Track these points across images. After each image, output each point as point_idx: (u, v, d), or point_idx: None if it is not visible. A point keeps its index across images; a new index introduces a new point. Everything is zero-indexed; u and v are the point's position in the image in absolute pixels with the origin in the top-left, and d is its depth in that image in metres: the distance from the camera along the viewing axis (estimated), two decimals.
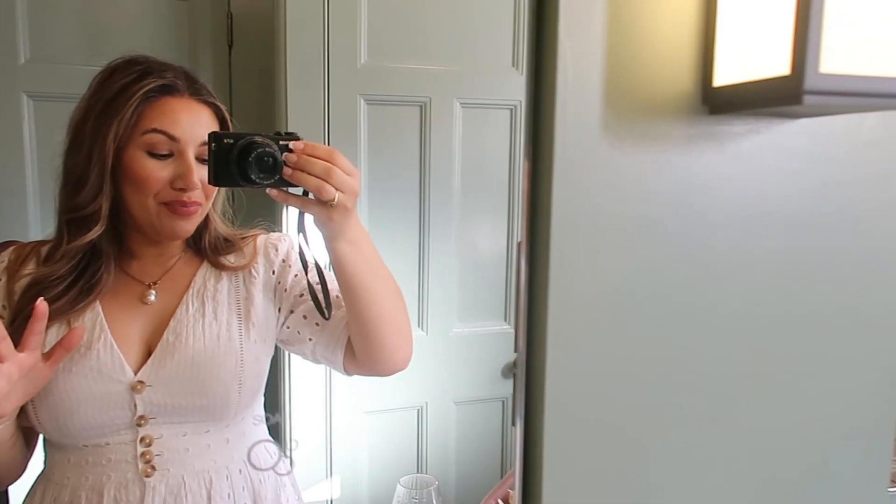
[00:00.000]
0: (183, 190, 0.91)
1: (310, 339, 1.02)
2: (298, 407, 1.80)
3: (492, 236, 1.97)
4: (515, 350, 1.87)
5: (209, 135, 0.81)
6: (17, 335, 0.84)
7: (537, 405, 0.44)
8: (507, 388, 2.01)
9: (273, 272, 1.04)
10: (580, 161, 0.42)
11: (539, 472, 0.42)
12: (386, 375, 1.01)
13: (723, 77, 0.46)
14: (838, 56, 0.40)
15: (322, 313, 0.97)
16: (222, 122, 0.98)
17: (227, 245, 1.03)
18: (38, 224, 1.88)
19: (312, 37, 1.76)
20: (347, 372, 1.04)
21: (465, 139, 1.91)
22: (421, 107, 1.86)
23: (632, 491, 0.52)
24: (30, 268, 0.95)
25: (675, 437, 0.51)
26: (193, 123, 0.92)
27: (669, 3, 0.42)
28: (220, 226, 1.04)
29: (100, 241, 0.93)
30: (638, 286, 0.45)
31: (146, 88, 0.90)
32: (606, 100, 0.41)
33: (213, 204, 0.99)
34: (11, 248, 0.98)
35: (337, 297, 1.00)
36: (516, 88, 1.92)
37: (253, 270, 1.02)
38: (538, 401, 0.44)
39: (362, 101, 1.81)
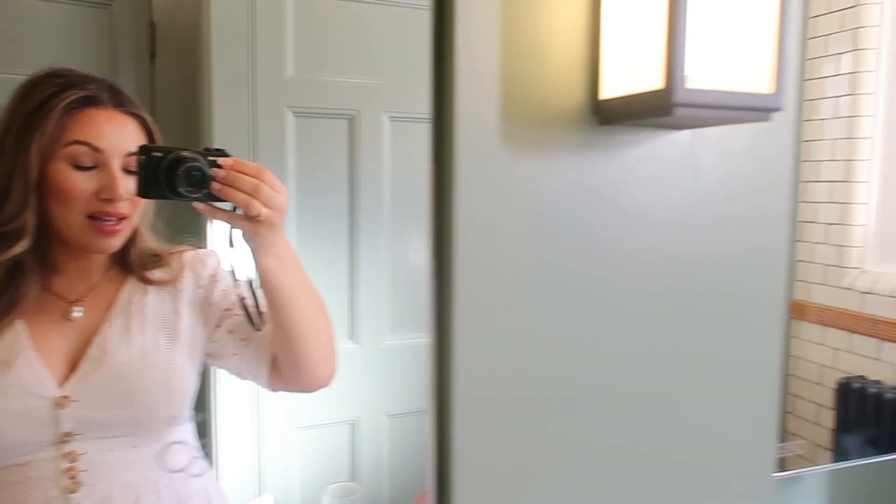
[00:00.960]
0: (109, 200, 0.90)
1: (234, 355, 1.03)
2: (225, 414, 1.77)
3: (420, 247, 1.99)
4: None
5: (139, 147, 0.83)
6: None
7: (447, 401, 0.46)
8: None
9: (200, 287, 1.04)
10: (481, 168, 0.44)
11: (450, 466, 0.44)
12: (311, 391, 1.02)
13: (608, 90, 0.49)
14: (702, 72, 0.43)
15: (253, 325, 0.99)
16: (149, 133, 0.97)
17: (154, 260, 1.02)
18: None
19: (238, 48, 1.74)
20: (272, 388, 1.04)
21: (394, 152, 1.92)
22: (349, 119, 1.87)
23: (539, 480, 0.54)
24: None
25: (572, 425, 0.54)
26: (118, 135, 0.92)
27: (560, 22, 0.45)
28: (148, 240, 1.02)
29: (23, 257, 0.91)
30: (535, 283, 0.47)
31: (68, 100, 0.89)
32: (504, 111, 0.43)
33: (141, 218, 0.98)
34: None
35: (264, 312, 1.00)
36: None
37: (179, 285, 1.02)
38: (447, 396, 0.46)
39: (290, 113, 1.81)
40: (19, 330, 0.92)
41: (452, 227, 0.45)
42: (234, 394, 1.77)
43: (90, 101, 0.91)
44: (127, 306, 0.98)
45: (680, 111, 0.43)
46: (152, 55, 2.01)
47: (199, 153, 0.83)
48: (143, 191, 0.83)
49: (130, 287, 1.00)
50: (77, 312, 0.96)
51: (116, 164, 0.91)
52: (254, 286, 0.99)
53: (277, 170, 1.78)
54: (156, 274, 1.01)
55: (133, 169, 0.90)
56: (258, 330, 1.00)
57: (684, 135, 0.53)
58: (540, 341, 0.48)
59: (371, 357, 1.92)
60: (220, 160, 0.83)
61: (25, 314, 0.93)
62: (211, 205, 0.84)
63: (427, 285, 0.46)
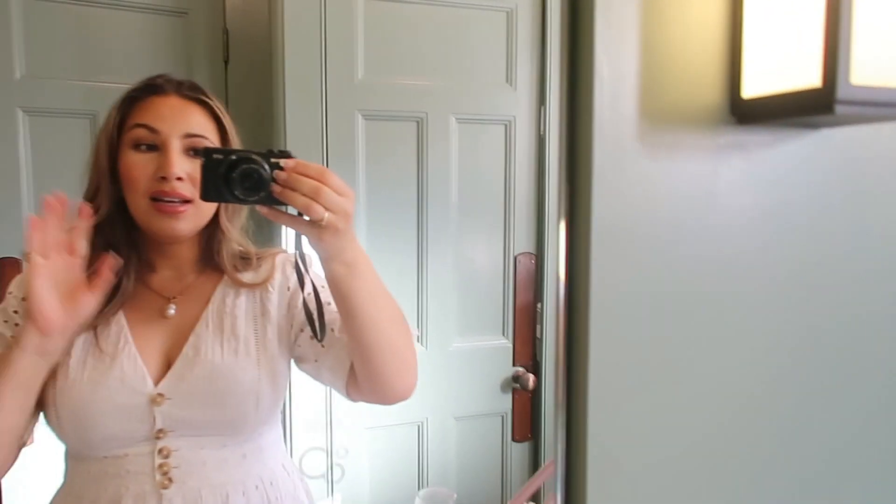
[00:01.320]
0: (164, 179, 0.91)
1: (314, 360, 1.01)
2: (297, 414, 1.79)
3: (489, 250, 1.98)
4: (514, 364, 1.89)
5: (201, 150, 0.82)
6: None
7: (579, 408, 0.45)
8: (506, 402, 2.01)
9: (288, 289, 1.04)
10: (617, 169, 0.43)
11: (583, 476, 0.43)
12: (388, 404, 0.98)
13: (751, 89, 0.47)
14: (869, 67, 0.41)
15: (315, 333, 0.96)
16: (216, 119, 0.99)
17: (245, 261, 1.04)
18: None
19: (310, 53, 1.77)
20: (351, 398, 1.01)
21: (462, 154, 1.92)
22: (418, 122, 1.88)
23: (675, 490, 0.53)
24: None
25: (718, 436, 0.52)
26: (176, 116, 0.94)
27: (699, 17, 0.44)
28: (238, 241, 1.03)
29: (117, 248, 0.94)
30: (671, 286, 0.46)
31: (132, 92, 0.96)
32: (640, 112, 0.42)
33: (231, 220, 1.00)
34: None
35: (327, 321, 0.98)
36: (510, 104, 1.95)
37: (270, 287, 1.02)
38: (580, 402, 0.45)
39: (360, 116, 1.83)
40: (122, 324, 0.95)
41: (588, 229, 0.45)
42: (306, 394, 1.79)
43: (152, 90, 0.96)
44: (220, 307, 0.99)
45: (842, 109, 0.41)
46: (226, 61, 2.06)
47: (262, 155, 0.80)
48: (204, 193, 0.81)
49: (223, 288, 1.01)
50: (172, 310, 0.99)
51: (175, 145, 0.93)
52: (319, 293, 0.97)
53: (347, 172, 1.80)
54: (247, 276, 1.02)
55: (195, 152, 0.93)
56: (319, 340, 0.97)
57: (826, 134, 0.51)
58: (675, 346, 0.47)
59: (438, 359, 1.93)
60: (283, 162, 0.79)
61: (126, 308, 0.97)
62: (275, 208, 0.81)
63: (556, 287, 0.45)
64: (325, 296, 0.98)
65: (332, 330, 0.98)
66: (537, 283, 2.02)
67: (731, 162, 0.47)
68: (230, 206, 0.89)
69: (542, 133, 1.98)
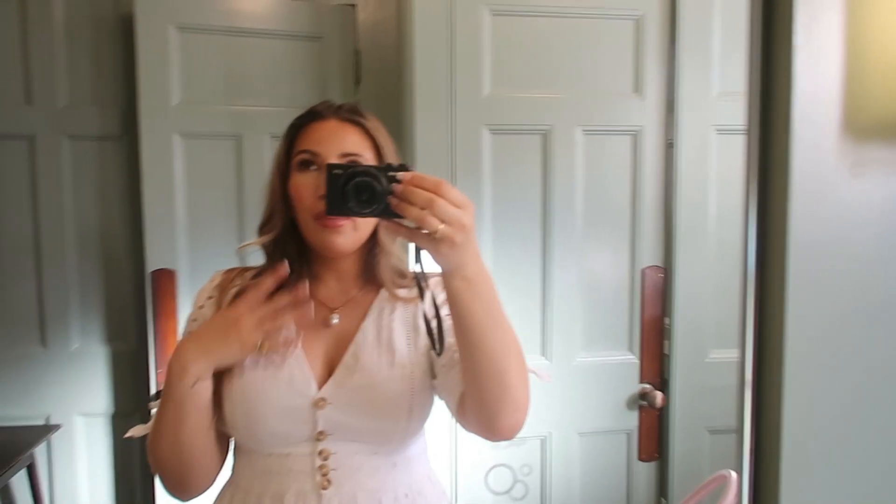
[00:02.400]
0: (323, 197, 0.96)
1: (436, 378, 1.02)
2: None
3: (615, 263, 1.94)
4: (641, 381, 1.83)
5: (326, 165, 0.84)
6: None
7: (771, 426, 0.43)
8: (631, 419, 1.96)
9: (435, 307, 1.06)
10: (816, 188, 0.41)
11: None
12: (490, 439, 0.94)
13: None
14: None
15: (434, 346, 0.96)
16: (371, 139, 1.03)
17: (402, 277, 1.07)
18: (187, 255, 2.01)
19: (438, 70, 1.81)
20: (461, 424, 0.98)
21: (588, 166, 1.90)
22: (543, 135, 1.88)
23: None
24: (237, 284, 1.06)
25: None
26: (334, 138, 1.00)
27: None
28: (398, 257, 1.07)
29: (290, 262, 1.01)
30: (876, 313, 0.43)
31: (295, 121, 1.04)
32: (843, 126, 0.40)
33: (388, 235, 1.04)
34: (223, 271, 1.10)
35: (446, 338, 0.98)
36: (637, 114, 1.90)
37: (422, 304, 1.05)
38: (772, 422, 0.43)
39: (486, 130, 1.85)
40: (291, 329, 1.01)
41: (784, 250, 0.43)
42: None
43: (313, 117, 1.02)
44: (378, 319, 1.04)
45: None
46: (357, 81, 2.15)
47: (380, 169, 0.81)
48: (329, 207, 0.83)
49: (381, 301, 1.06)
50: (335, 319, 1.04)
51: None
52: (439, 306, 0.97)
53: (473, 186, 1.83)
54: (402, 291, 1.06)
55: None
56: (438, 353, 0.96)
57: None
58: (876, 370, 0.44)
59: (563, 374, 1.91)
60: (400, 175, 0.80)
61: (295, 316, 1.02)
62: (393, 221, 0.81)
63: (742, 302, 0.44)
64: (430, 310, 0.98)
65: (455, 351, 0.95)
66: (665, 298, 1.95)
67: None
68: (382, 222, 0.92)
69: (670, 142, 1.92)
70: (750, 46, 0.44)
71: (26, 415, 2.09)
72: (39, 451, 2.06)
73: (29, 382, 2.11)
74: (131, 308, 2.12)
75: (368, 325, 1.03)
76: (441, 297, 1.04)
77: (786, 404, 0.43)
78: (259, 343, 0.95)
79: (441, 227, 0.77)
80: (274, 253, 1.04)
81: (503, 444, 1.82)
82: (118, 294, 2.13)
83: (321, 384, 1.00)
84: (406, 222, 0.80)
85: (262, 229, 1.05)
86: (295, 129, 1.03)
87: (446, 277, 0.82)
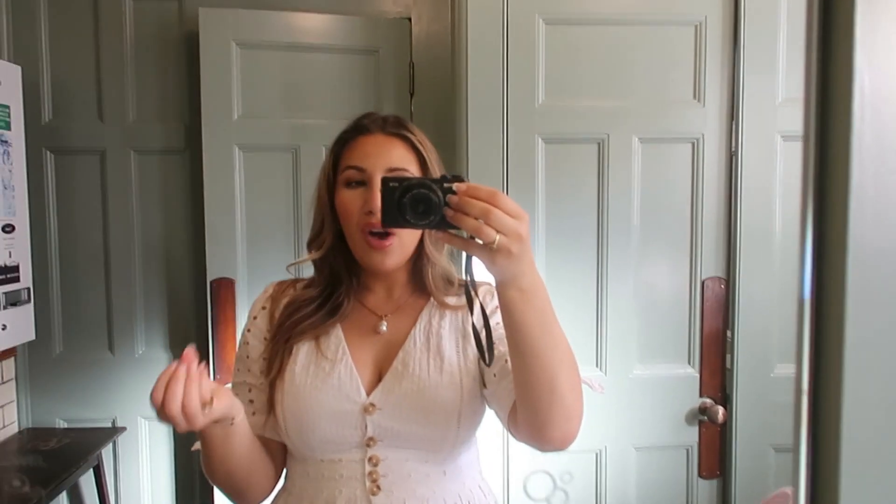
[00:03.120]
0: (371, 213, 0.97)
1: (487, 388, 1.02)
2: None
3: (673, 275, 1.89)
4: (701, 395, 1.77)
5: (381, 179, 0.84)
6: (274, 350, 1.02)
7: (830, 445, 0.40)
8: (691, 435, 1.89)
9: (485, 318, 1.05)
10: (879, 191, 0.39)
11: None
12: (543, 450, 0.93)
13: None
14: None
15: (482, 356, 0.95)
16: (417, 152, 1.03)
17: (450, 286, 1.08)
18: (245, 264, 2.07)
19: (491, 80, 1.81)
20: (513, 435, 0.98)
21: (644, 175, 1.86)
22: (599, 144, 1.85)
23: None
24: (289, 294, 1.08)
25: None
26: (380, 153, 1.01)
27: None
28: (444, 266, 1.08)
29: (339, 273, 1.03)
30: None
31: (342, 135, 1.05)
32: None
33: (434, 245, 1.05)
34: (276, 282, 1.12)
35: (496, 347, 0.97)
36: (698, 121, 1.85)
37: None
38: (832, 440, 0.40)
39: (540, 140, 1.83)
40: (340, 336, 1.03)
41: (844, 256, 0.40)
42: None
43: (359, 131, 1.03)
44: (427, 326, 1.04)
45: None
46: (412, 93, 2.17)
47: (435, 181, 0.81)
48: (384, 220, 0.83)
49: (430, 309, 1.06)
50: (384, 326, 1.05)
51: (378, 179, 0.95)
52: (487, 316, 0.96)
53: (527, 196, 1.81)
54: (451, 299, 1.06)
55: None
56: (487, 363, 0.96)
57: None
58: None
59: (618, 386, 1.86)
60: (455, 186, 0.80)
61: (344, 323, 1.05)
62: (448, 232, 0.81)
63: (798, 315, 0.41)
64: (479, 320, 0.98)
65: (507, 361, 0.96)
66: (727, 309, 1.89)
67: None
68: (432, 232, 0.92)
69: (732, 150, 1.86)
70: (807, 43, 0.42)
71: (94, 417, 2.19)
72: (106, 452, 2.14)
73: (97, 386, 2.20)
74: (192, 316, 2.19)
75: (418, 332, 1.04)
76: (491, 305, 1.04)
77: (844, 416, 0.40)
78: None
79: (497, 237, 0.77)
80: (323, 267, 1.06)
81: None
82: (180, 302, 2.21)
83: (370, 390, 1.00)
84: (461, 233, 0.80)
85: (311, 245, 1.07)
86: (341, 144, 1.04)
87: (501, 287, 0.82)
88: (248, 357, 1.07)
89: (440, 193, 0.80)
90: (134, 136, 2.19)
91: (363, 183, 1.00)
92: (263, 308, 1.08)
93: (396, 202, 0.82)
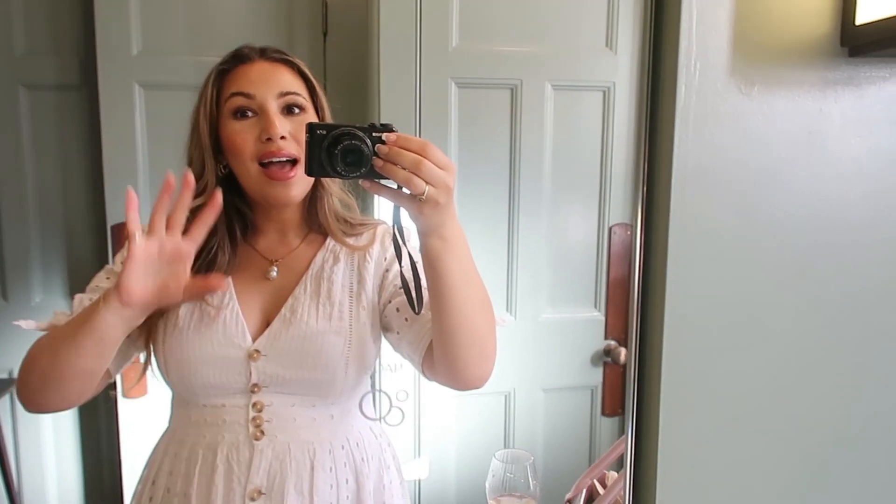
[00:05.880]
0: (270, 140, 0.94)
1: (397, 333, 1.03)
2: (386, 381, 1.83)
3: (583, 221, 1.93)
4: (606, 337, 1.84)
5: (306, 125, 0.82)
6: None
7: (652, 390, 0.42)
8: (596, 376, 1.97)
9: (385, 259, 1.05)
10: (704, 107, 0.39)
11: (653, 473, 0.40)
12: (459, 389, 0.96)
13: (866, 13, 0.42)
14: None
15: (412, 306, 0.96)
16: (303, 77, 1.01)
17: (346, 228, 1.06)
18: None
19: (404, 21, 1.77)
20: (426, 376, 1.01)
21: (557, 122, 1.87)
22: (512, 89, 1.85)
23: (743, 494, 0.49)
24: None
25: (800, 442, 0.47)
26: (268, 79, 0.98)
27: None
28: (338, 207, 1.06)
29: (226, 219, 0.99)
30: (765, 240, 0.42)
31: (220, 65, 1.01)
32: (734, 42, 0.38)
33: (327, 186, 1.02)
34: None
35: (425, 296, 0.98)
36: (610, 69, 1.87)
37: (368, 255, 1.05)
38: (653, 384, 0.42)
39: (453, 84, 1.82)
40: (228, 281, 1.00)
41: (669, 173, 0.41)
42: (395, 363, 1.82)
43: (238, 60, 1.00)
44: (319, 272, 1.03)
45: None
46: (325, 33, 2.10)
47: (364, 130, 0.80)
48: (308, 168, 0.82)
49: (324, 254, 1.05)
50: (274, 272, 1.03)
51: (272, 106, 0.96)
52: (419, 268, 0.95)
53: (440, 140, 1.80)
54: (350, 240, 1.05)
55: (292, 110, 0.97)
56: (417, 313, 0.96)
57: None
58: (762, 307, 0.43)
59: (528, 330, 1.91)
60: (385, 136, 0.79)
61: (233, 270, 1.02)
62: (376, 182, 0.81)
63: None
64: (408, 269, 0.97)
65: (418, 312, 0.96)
66: (632, 255, 1.95)
67: (840, 99, 0.42)
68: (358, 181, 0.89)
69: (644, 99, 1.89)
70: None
71: None
72: (2, 406, 2.06)
73: None
74: (93, 262, 2.10)
75: (309, 278, 1.02)
76: (391, 249, 1.03)
77: (667, 322, 0.42)
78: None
79: (427, 188, 0.77)
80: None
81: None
82: (79, 248, 2.11)
83: (256, 336, 0.99)
84: (389, 183, 0.80)
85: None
86: (221, 75, 1.00)
87: (424, 237, 0.83)
88: (108, 279, 1.00)
89: (370, 143, 0.79)
90: (23, 70, 2.04)
91: (253, 112, 0.97)
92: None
93: (326, 150, 0.80)
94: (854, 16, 0.42)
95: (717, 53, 0.39)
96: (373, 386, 1.16)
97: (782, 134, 0.41)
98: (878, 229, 0.45)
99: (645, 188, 0.41)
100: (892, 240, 0.46)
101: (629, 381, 0.41)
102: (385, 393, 1.08)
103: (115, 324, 0.86)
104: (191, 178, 0.87)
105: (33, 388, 0.93)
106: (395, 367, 1.80)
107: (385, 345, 1.08)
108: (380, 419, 1.09)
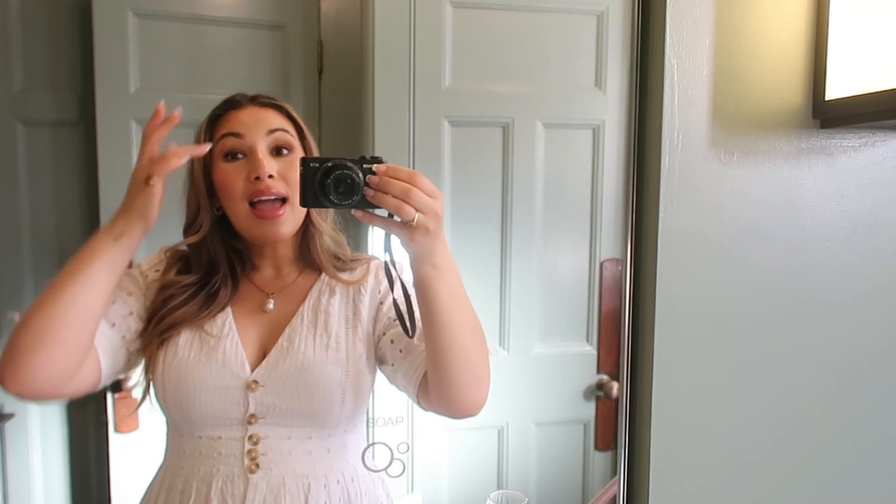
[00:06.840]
0: (258, 179, 0.97)
1: (392, 365, 1.05)
2: (380, 414, 1.83)
3: (574, 256, 1.96)
4: (598, 371, 1.87)
5: (300, 159, 0.86)
6: (149, 337, 0.98)
7: (644, 418, 0.44)
8: (589, 410, 1.98)
9: (379, 291, 1.08)
10: (686, 176, 0.42)
11: (645, 492, 0.41)
12: (455, 417, 0.98)
13: (835, 90, 0.45)
14: None
15: (406, 331, 0.98)
16: (290, 118, 1.05)
17: (339, 264, 1.09)
18: (144, 244, 1.99)
19: (398, 61, 1.82)
20: (421, 406, 1.03)
21: (548, 159, 1.91)
22: (504, 128, 1.89)
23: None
24: (173, 272, 1.06)
25: (793, 462, 0.49)
26: (257, 121, 1.03)
27: (778, 19, 0.42)
28: (329, 244, 1.09)
29: (216, 260, 1.02)
30: (744, 298, 0.44)
31: (212, 112, 1.06)
32: (713, 115, 0.41)
33: (320, 213, 1.06)
34: (169, 249, 1.10)
35: (418, 322, 1.00)
36: (599, 108, 1.92)
37: (363, 288, 1.08)
38: (644, 413, 0.44)
39: (446, 122, 1.86)
40: (228, 313, 1.03)
41: (655, 240, 0.44)
42: (388, 395, 1.83)
43: (230, 105, 1.05)
44: (316, 303, 1.05)
45: None
46: (320, 71, 2.14)
47: (356, 162, 0.84)
48: (303, 199, 0.86)
49: (320, 286, 1.07)
50: (270, 304, 1.06)
51: (261, 146, 1.00)
52: (411, 295, 0.98)
53: (433, 177, 1.80)
54: (343, 275, 1.08)
55: (280, 152, 1.00)
56: (410, 337, 0.99)
57: None
58: (747, 362, 0.45)
59: (520, 364, 1.92)
60: (375, 167, 0.83)
61: (232, 302, 1.05)
62: (368, 211, 0.85)
63: (625, 289, 0.44)
64: (400, 296, 1.00)
65: (412, 336, 0.99)
66: (623, 289, 1.97)
67: (813, 168, 0.45)
68: (351, 211, 0.93)
69: (632, 137, 1.94)
70: (631, 41, 0.45)
71: None
72: None
73: None
74: None
75: (306, 309, 1.05)
76: (385, 282, 1.06)
77: (655, 391, 0.44)
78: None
79: (417, 215, 0.81)
80: (200, 253, 1.04)
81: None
82: None
83: (254, 367, 1.01)
84: (380, 211, 0.84)
85: (187, 231, 1.06)
86: (213, 121, 1.04)
87: (416, 264, 0.87)
88: (129, 294, 1.02)
89: (361, 174, 0.83)
90: (20, 106, 2.07)
91: (243, 154, 1.00)
92: (157, 271, 1.05)
93: (319, 182, 0.84)
94: (824, 93, 0.45)
95: (697, 126, 0.41)
96: (373, 437, 1.17)
97: (760, 200, 0.43)
98: (850, 286, 0.48)
99: (632, 250, 0.43)
100: (864, 296, 0.49)
101: (620, 418, 0.42)
102: (386, 445, 1.10)
103: (121, 251, 0.94)
104: (161, 105, 0.95)
105: (20, 350, 0.88)
106: (396, 420, 1.81)
107: (383, 396, 1.10)
108: (383, 470, 1.10)
